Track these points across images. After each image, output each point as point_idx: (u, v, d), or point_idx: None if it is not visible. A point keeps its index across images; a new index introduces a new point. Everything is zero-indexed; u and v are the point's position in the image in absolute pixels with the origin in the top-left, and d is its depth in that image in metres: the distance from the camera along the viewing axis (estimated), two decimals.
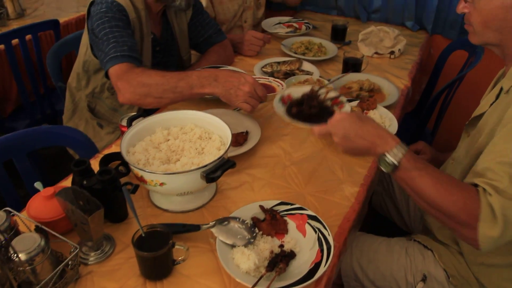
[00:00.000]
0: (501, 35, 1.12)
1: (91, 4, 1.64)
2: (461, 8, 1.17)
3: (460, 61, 2.20)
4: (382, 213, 1.82)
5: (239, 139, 1.43)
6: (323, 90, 1.38)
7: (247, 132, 1.47)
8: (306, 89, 1.39)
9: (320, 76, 1.87)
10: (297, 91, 1.42)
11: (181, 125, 1.30)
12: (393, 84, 1.78)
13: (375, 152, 1.06)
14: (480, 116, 1.21)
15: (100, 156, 1.38)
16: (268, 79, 1.74)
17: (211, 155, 1.17)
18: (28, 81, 2.34)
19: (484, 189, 0.97)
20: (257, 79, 1.66)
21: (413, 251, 1.37)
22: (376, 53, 2.13)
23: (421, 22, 2.50)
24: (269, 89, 1.68)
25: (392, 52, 2.13)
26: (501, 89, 1.16)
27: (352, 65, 1.87)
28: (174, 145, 1.23)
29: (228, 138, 1.18)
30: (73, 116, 1.91)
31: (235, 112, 1.59)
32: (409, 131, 2.17)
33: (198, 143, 1.24)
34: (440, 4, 2.37)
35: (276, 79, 1.73)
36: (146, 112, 1.59)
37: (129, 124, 1.27)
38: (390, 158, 1.02)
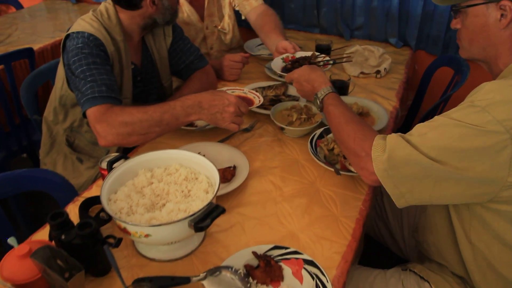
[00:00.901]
0: (485, 52, 1.13)
1: (66, 37, 1.56)
2: (454, 23, 1.18)
3: (446, 76, 2.18)
4: (376, 239, 1.77)
5: (226, 175, 1.37)
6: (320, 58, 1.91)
7: (234, 167, 1.41)
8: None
9: (307, 101, 1.82)
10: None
11: (165, 165, 1.23)
12: (381, 106, 1.74)
13: (313, 92, 1.40)
14: None
15: (80, 199, 1.30)
16: (243, 90, 1.73)
17: (198, 199, 1.11)
18: (3, 111, 2.23)
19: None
20: (231, 90, 1.70)
21: (410, 283, 1.33)
22: (362, 72, 2.09)
23: (405, 39, 2.48)
24: (246, 101, 1.65)
25: (378, 72, 2.10)
26: None
27: (339, 88, 1.83)
28: (158, 188, 1.16)
29: (216, 179, 1.12)
30: (51, 151, 1.82)
31: (220, 144, 1.53)
32: None
33: (184, 185, 1.17)
34: (422, 20, 2.36)
35: (252, 91, 1.72)
36: (125, 151, 1.50)
37: (110, 168, 1.19)
38: (318, 95, 1.37)
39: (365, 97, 1.89)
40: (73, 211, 1.27)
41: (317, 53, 1.95)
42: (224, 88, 1.74)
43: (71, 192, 1.36)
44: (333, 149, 1.49)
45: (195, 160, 1.21)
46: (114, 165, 1.19)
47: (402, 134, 1.06)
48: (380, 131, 1.59)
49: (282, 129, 1.62)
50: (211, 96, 1.45)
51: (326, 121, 1.54)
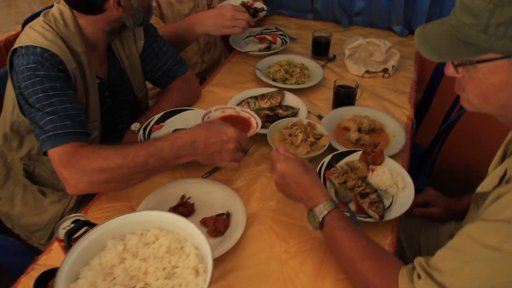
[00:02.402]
0: (504, 109, 0.90)
1: (13, 52, 1.24)
2: (451, 72, 0.92)
3: None
4: None
5: (219, 226, 1.11)
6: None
7: (228, 215, 1.15)
8: None
9: (308, 111, 1.55)
10: None
11: (141, 230, 0.96)
12: (397, 121, 1.48)
13: (306, 204, 1.06)
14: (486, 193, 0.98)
15: (36, 268, 1.03)
16: (234, 109, 1.46)
17: (185, 282, 0.85)
18: None
19: (414, 267, 0.88)
20: (220, 109, 1.44)
21: None
22: (367, 71, 1.82)
23: (410, 26, 2.19)
24: (241, 122, 1.42)
25: (385, 70, 1.82)
26: (505, 172, 0.92)
27: (345, 97, 1.56)
28: (133, 267, 0.89)
29: (207, 253, 0.86)
30: (6, 182, 1.51)
31: (208, 182, 1.26)
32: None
33: (166, 259, 0.91)
34: (432, 5, 2.07)
35: (245, 110, 1.45)
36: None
37: (68, 242, 0.92)
38: (316, 213, 1.02)
39: (374, 104, 1.63)
40: (27, 286, 1.01)
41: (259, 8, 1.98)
42: (213, 108, 1.45)
43: (26, 257, 1.09)
44: (345, 182, 1.24)
45: (179, 225, 0.94)
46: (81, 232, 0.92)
47: (430, 271, 0.84)
48: (396, 156, 1.35)
49: None
50: (206, 132, 1.16)
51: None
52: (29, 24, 1.31)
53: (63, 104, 1.18)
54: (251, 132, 1.36)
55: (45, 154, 1.17)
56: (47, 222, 1.48)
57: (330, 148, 1.35)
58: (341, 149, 1.35)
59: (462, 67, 0.89)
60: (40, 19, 1.30)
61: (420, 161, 1.84)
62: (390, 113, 1.58)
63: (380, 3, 2.17)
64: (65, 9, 1.31)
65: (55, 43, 1.25)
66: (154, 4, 1.82)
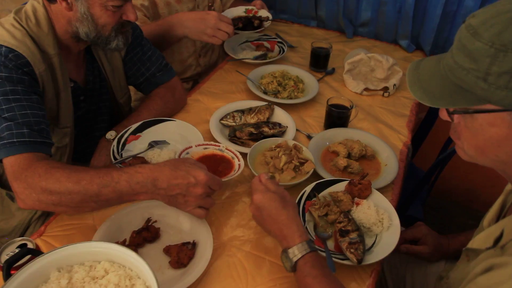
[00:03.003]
0: (505, 166, 0.80)
1: None
2: (445, 116, 0.82)
3: None
4: None
5: (182, 257, 1.02)
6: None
7: (194, 244, 1.05)
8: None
9: (297, 130, 1.45)
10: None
11: (91, 262, 0.87)
12: (390, 148, 1.38)
13: (281, 243, 0.98)
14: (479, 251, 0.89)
15: None
16: (219, 146, 1.30)
17: None
18: None
19: None
20: (203, 146, 1.28)
21: None
22: (366, 89, 1.71)
23: (418, 42, 2.08)
24: (223, 162, 1.28)
25: (385, 89, 1.71)
26: (502, 233, 0.82)
27: (337, 118, 1.45)
28: None
29: None
30: None
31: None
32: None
33: None
34: (442, 21, 1.95)
35: (229, 149, 1.29)
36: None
37: (7, 271, 0.83)
38: (289, 255, 0.94)
39: (369, 127, 1.53)
40: None
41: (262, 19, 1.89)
42: (194, 144, 1.30)
43: None
44: (326, 215, 1.14)
45: (131, 260, 0.85)
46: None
47: None
48: (385, 189, 1.25)
49: None
50: (172, 172, 1.03)
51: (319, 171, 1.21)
52: (0, 20, 1.22)
53: (23, 110, 1.09)
54: (228, 176, 1.22)
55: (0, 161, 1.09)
56: (13, 228, 1.40)
57: (315, 175, 1.25)
58: (327, 176, 1.26)
59: (458, 114, 0.78)
60: (11, 15, 1.21)
61: (417, 186, 1.73)
62: (385, 138, 1.47)
63: (388, 15, 2.05)
64: (39, 6, 1.22)
65: (24, 43, 1.15)
66: (146, 3, 1.72)
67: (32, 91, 1.14)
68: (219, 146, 1.30)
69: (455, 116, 0.80)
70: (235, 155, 1.28)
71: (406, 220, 1.78)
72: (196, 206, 1.05)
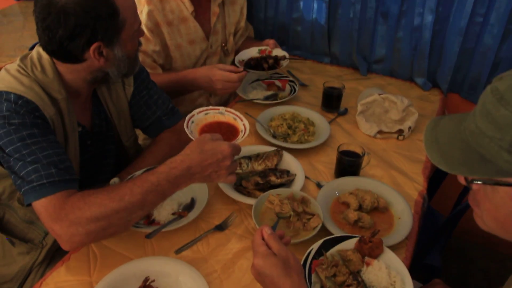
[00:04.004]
0: None
1: None
2: (464, 182, 0.75)
3: None
4: None
5: None
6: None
7: None
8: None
9: (306, 177, 1.39)
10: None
11: None
12: (404, 199, 1.30)
13: None
14: None
15: None
16: (218, 109, 1.36)
17: None
18: None
19: None
20: (203, 111, 1.35)
21: None
22: (380, 132, 1.65)
23: (435, 79, 2.01)
24: (226, 126, 1.34)
25: (400, 132, 1.65)
26: None
27: (349, 165, 1.39)
28: None
29: None
30: None
31: (179, 263, 1.11)
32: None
33: None
34: (459, 59, 1.89)
35: (230, 110, 1.35)
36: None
37: None
38: None
39: (382, 174, 1.46)
40: None
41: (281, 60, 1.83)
42: (196, 111, 1.34)
43: None
44: (334, 275, 1.07)
45: None
46: None
47: None
48: (399, 245, 1.17)
49: None
50: (200, 155, 1.11)
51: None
52: (6, 67, 1.22)
53: (45, 151, 1.09)
54: (239, 138, 1.27)
55: (29, 205, 1.07)
56: (15, 274, 1.37)
57: (323, 229, 1.19)
58: (336, 231, 1.19)
59: (477, 183, 0.72)
60: (16, 62, 1.21)
61: (435, 235, 1.64)
62: (399, 187, 1.40)
63: (403, 52, 2.00)
64: (44, 53, 1.21)
65: (31, 88, 1.14)
66: (157, 48, 1.72)
67: (48, 131, 1.14)
68: (218, 109, 1.34)
69: (474, 184, 0.73)
70: (236, 116, 1.32)
71: (422, 270, 1.69)
72: (228, 175, 1.14)
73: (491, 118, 0.66)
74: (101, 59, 1.16)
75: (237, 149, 1.15)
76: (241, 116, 1.33)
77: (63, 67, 1.21)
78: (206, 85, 1.69)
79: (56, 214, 1.03)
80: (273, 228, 1.06)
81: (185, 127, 1.26)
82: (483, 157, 0.68)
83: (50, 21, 1.07)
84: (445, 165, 0.72)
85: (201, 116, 1.33)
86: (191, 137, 1.22)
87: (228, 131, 1.31)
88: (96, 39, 1.11)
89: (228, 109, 1.35)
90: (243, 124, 1.31)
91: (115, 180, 1.36)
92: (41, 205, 1.05)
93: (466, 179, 0.73)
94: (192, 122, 1.30)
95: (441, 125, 0.77)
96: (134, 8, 1.19)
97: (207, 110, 1.35)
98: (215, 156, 1.11)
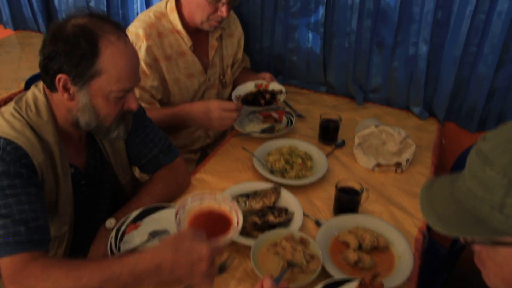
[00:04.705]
0: None
1: None
2: (465, 242, 0.74)
3: None
4: None
5: None
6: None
7: None
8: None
9: (304, 214, 1.38)
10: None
11: None
12: (404, 237, 1.29)
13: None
14: None
15: None
16: (214, 195, 1.24)
17: None
18: None
19: None
20: (198, 196, 1.23)
21: None
22: (377, 165, 1.64)
23: (431, 108, 2.01)
24: (220, 218, 1.21)
25: (398, 165, 1.64)
26: None
27: (347, 202, 1.38)
28: None
29: None
30: None
31: None
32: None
33: None
34: (455, 88, 1.89)
35: (227, 199, 1.23)
36: None
37: None
38: None
39: (382, 210, 1.45)
40: None
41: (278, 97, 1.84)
42: (189, 198, 1.23)
43: None
44: None
45: None
46: None
47: None
48: (400, 286, 1.15)
49: None
50: (174, 254, 1.01)
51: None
52: (0, 109, 1.21)
53: (21, 205, 1.07)
54: (227, 238, 1.14)
55: None
56: None
57: (322, 270, 1.17)
58: (335, 273, 1.17)
59: (477, 244, 0.71)
60: (11, 105, 1.20)
61: (437, 268, 1.62)
62: (398, 223, 1.39)
63: (399, 82, 2.01)
64: (40, 94, 1.21)
65: (23, 133, 1.14)
66: (156, 83, 1.72)
67: (31, 183, 1.12)
68: (215, 195, 1.24)
69: (475, 245, 0.72)
70: (233, 208, 1.21)
71: None
72: (202, 279, 1.02)
73: (479, 180, 0.67)
74: (65, 94, 1.14)
75: (218, 251, 1.05)
76: (238, 208, 1.21)
77: (54, 104, 1.20)
78: (202, 117, 1.67)
79: (14, 276, 1.02)
80: (279, 278, 1.04)
81: (174, 218, 1.14)
82: (478, 218, 0.68)
83: (47, 41, 1.11)
84: (442, 227, 0.72)
85: (195, 204, 1.23)
86: (177, 228, 1.13)
87: (220, 222, 1.19)
88: (65, 70, 1.10)
89: (225, 197, 1.25)
90: (237, 219, 1.18)
91: (111, 220, 1.34)
92: (3, 263, 1.04)
93: (465, 240, 0.72)
94: (184, 211, 1.20)
95: (435, 187, 0.77)
96: (121, 73, 1.13)
97: (202, 196, 1.24)
98: (189, 256, 1.00)
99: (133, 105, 1.22)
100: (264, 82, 1.86)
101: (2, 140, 1.10)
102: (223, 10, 1.66)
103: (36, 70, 2.26)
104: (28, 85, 2.18)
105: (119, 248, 1.26)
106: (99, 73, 1.12)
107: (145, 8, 2.28)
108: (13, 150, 1.10)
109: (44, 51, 1.13)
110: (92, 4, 2.53)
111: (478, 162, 0.67)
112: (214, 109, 1.61)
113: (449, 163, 1.92)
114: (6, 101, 2.20)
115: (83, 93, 1.14)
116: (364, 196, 1.41)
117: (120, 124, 1.24)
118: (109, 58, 1.11)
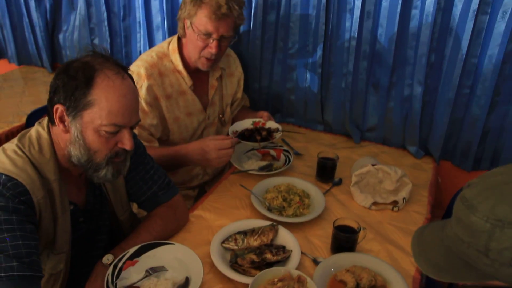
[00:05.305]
0: None
1: None
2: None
3: None
4: None
5: None
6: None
7: None
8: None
9: (302, 253, 1.38)
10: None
11: None
12: (402, 276, 1.29)
13: None
14: None
15: None
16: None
17: None
18: None
19: None
20: None
21: None
22: (374, 203, 1.65)
23: (426, 148, 2.05)
24: None
25: (395, 203, 1.66)
26: None
27: (345, 241, 1.39)
28: None
29: None
30: None
31: None
32: None
33: None
34: (449, 128, 1.93)
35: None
36: None
37: None
38: None
39: (379, 249, 1.45)
40: None
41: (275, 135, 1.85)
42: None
43: None
44: None
45: None
46: None
47: None
48: None
49: None
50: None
51: None
52: (3, 146, 1.23)
53: (15, 241, 1.07)
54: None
55: None
56: None
57: None
58: None
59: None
60: (14, 141, 1.22)
61: None
62: (396, 262, 1.39)
63: (395, 122, 2.05)
64: (44, 132, 1.23)
65: (24, 170, 1.15)
66: (155, 122, 1.76)
67: (27, 220, 1.13)
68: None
69: None
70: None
71: None
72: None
73: (464, 225, 0.70)
74: (61, 125, 1.17)
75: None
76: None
77: (53, 137, 1.22)
78: (199, 158, 1.70)
79: None
80: None
81: None
82: (466, 262, 0.70)
83: (55, 76, 1.17)
84: (433, 273, 0.74)
85: None
86: None
87: None
88: (61, 100, 1.14)
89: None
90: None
91: (108, 257, 1.34)
92: None
93: (457, 285, 0.73)
94: None
95: (426, 233, 0.80)
96: (113, 107, 1.14)
97: None
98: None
99: (127, 144, 1.20)
100: (261, 120, 1.90)
101: (3, 176, 1.12)
102: (212, 46, 1.70)
103: (38, 105, 2.34)
104: (29, 119, 2.22)
105: (116, 284, 1.25)
106: (91, 105, 1.14)
107: (148, 47, 2.35)
108: (14, 186, 1.11)
109: (51, 85, 1.17)
110: (96, 41, 2.60)
111: (463, 208, 0.70)
112: (210, 150, 1.64)
113: (445, 201, 1.94)
114: (7, 135, 2.24)
115: (75, 124, 1.16)
116: (361, 234, 1.41)
117: (110, 164, 1.22)
118: (102, 91, 1.13)
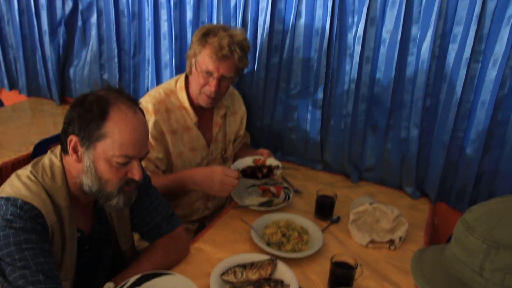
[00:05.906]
0: None
1: None
2: None
3: None
4: None
5: None
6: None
7: None
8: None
9: (300, 287, 1.40)
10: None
11: None
12: None
13: None
14: None
15: None
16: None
17: None
18: None
19: None
20: None
21: None
22: (371, 241, 1.69)
23: (423, 189, 2.10)
24: None
25: (391, 242, 1.69)
26: None
27: (342, 276, 1.41)
28: None
29: None
30: None
31: None
32: None
33: None
34: (445, 170, 1.99)
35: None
36: None
37: None
38: None
39: (375, 286, 1.48)
40: None
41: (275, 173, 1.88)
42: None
43: None
44: None
45: None
46: None
47: None
48: None
49: None
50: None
51: None
52: (17, 172, 1.28)
53: (37, 258, 1.12)
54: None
55: None
56: None
57: None
58: None
59: None
60: (28, 168, 1.28)
61: None
62: None
63: (392, 163, 2.11)
64: (56, 160, 1.29)
65: (38, 195, 1.21)
66: (160, 155, 1.82)
67: (44, 240, 1.18)
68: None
69: None
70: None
71: None
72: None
73: (462, 244, 0.75)
74: (74, 155, 1.22)
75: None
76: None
77: (65, 166, 1.28)
78: (204, 179, 1.73)
79: None
80: None
81: None
82: (462, 282, 0.74)
83: (70, 108, 1.23)
84: None
85: None
86: None
87: None
88: (76, 131, 1.20)
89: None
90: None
91: (109, 285, 1.36)
92: None
93: None
94: None
95: (425, 254, 0.84)
96: (125, 140, 1.20)
97: None
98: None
99: (136, 175, 1.26)
100: (261, 158, 1.96)
101: (19, 200, 1.17)
102: (212, 85, 1.79)
103: (45, 135, 2.41)
104: (36, 149, 2.27)
105: None
106: (104, 136, 1.20)
107: (155, 84, 2.45)
108: (30, 209, 1.17)
109: (65, 117, 1.24)
110: (105, 76, 2.71)
111: (462, 229, 0.76)
112: (218, 172, 1.69)
113: (441, 241, 1.97)
114: (13, 163, 2.29)
115: (88, 155, 1.22)
116: (358, 271, 1.44)
117: (121, 193, 1.27)
118: (115, 123, 1.20)
